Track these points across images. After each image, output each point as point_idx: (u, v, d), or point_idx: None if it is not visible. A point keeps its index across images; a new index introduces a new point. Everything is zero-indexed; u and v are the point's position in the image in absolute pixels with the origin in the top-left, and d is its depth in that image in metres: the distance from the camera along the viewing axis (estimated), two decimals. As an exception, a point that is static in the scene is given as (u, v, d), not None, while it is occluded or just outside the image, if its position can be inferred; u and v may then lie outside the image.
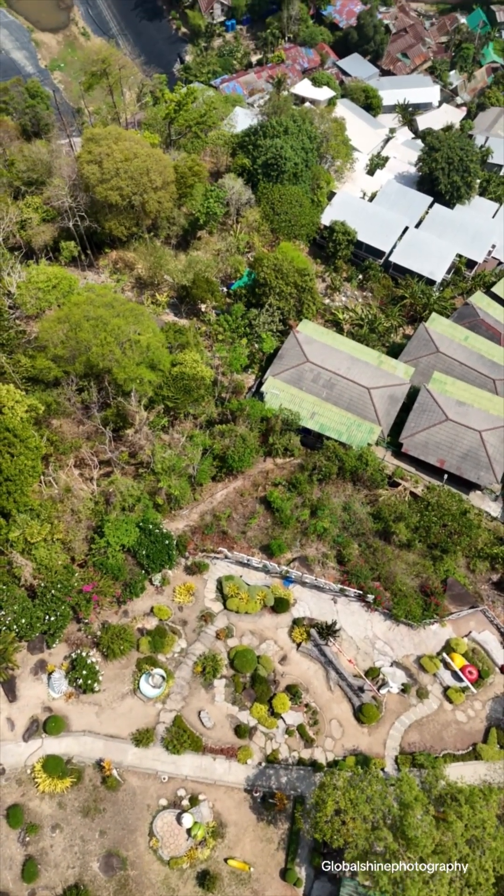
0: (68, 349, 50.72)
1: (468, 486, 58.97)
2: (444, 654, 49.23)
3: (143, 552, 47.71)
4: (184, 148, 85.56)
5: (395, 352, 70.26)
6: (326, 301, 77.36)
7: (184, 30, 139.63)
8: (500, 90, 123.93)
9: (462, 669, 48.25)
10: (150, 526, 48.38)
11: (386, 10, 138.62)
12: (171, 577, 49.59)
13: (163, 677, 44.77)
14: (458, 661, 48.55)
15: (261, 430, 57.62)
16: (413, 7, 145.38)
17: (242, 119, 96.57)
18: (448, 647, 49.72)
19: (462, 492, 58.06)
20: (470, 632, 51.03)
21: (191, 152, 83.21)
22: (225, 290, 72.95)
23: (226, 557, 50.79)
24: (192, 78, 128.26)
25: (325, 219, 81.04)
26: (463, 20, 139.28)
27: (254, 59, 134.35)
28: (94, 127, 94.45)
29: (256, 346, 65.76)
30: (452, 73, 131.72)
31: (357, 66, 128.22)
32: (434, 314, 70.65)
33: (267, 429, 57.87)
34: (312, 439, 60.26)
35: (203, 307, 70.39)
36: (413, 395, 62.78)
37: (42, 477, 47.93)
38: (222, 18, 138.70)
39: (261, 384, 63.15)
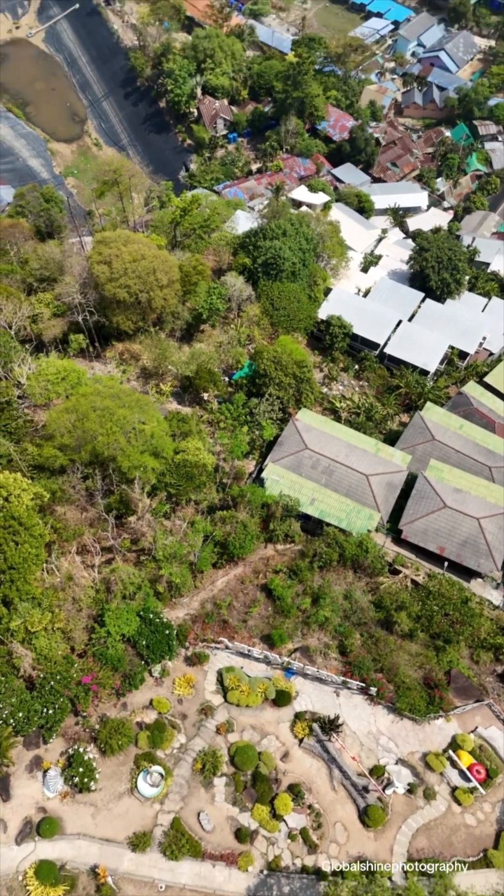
0: (75, 438, 52.25)
1: (469, 573, 59.08)
2: (451, 752, 47.82)
3: (144, 642, 47.31)
4: (188, 248, 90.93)
5: (391, 439, 72.08)
6: (324, 390, 79.99)
7: (189, 141, 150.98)
8: (484, 195, 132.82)
9: (469, 768, 46.76)
10: (151, 615, 48.22)
11: (376, 125, 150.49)
12: (170, 668, 48.91)
13: (161, 775, 43.37)
14: (465, 760, 47.12)
15: (261, 516, 58.36)
16: (401, 122, 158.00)
17: (243, 222, 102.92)
18: (454, 744, 48.38)
19: (463, 580, 58.13)
20: (476, 727, 49.78)
21: (195, 252, 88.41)
22: (227, 379, 75.56)
23: (226, 648, 50.26)
24: (196, 184, 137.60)
25: (322, 313, 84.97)
26: (447, 133, 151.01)
27: (254, 167, 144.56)
28: (104, 228, 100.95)
29: (257, 433, 67.53)
30: (439, 180, 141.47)
31: (350, 174, 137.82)
32: (429, 403, 72.96)
33: (268, 515, 58.62)
34: (313, 525, 60.91)
35: (205, 396, 72.76)
36: (411, 481, 63.92)
37: (45, 565, 48.22)
38: (225, 132, 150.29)
39: (261, 470, 64.43)
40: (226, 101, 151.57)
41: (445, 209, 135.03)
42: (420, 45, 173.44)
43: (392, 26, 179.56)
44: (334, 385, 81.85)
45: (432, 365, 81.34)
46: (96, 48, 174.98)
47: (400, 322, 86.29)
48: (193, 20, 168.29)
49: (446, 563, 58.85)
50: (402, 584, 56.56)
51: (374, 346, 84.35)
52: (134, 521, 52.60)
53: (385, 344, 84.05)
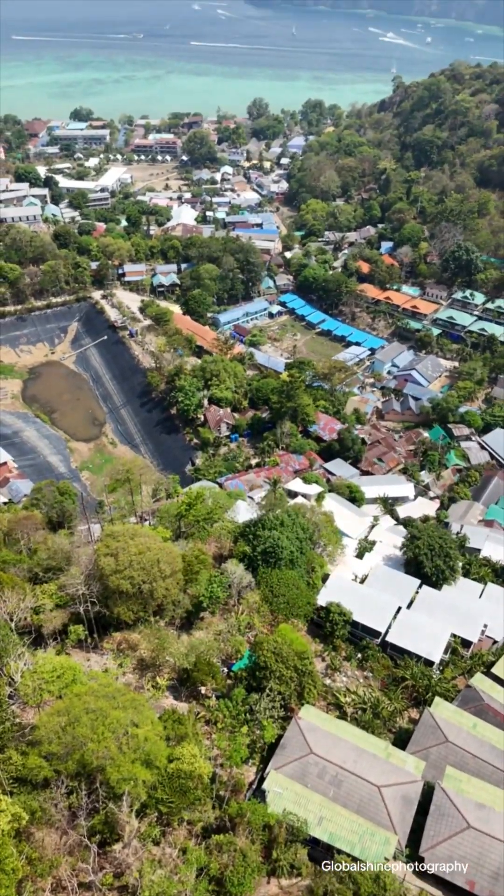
0: (63, 745, 48.88)
1: (508, 917, 50.04)
2: None
3: None
4: (192, 537, 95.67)
5: (402, 738, 67.24)
6: (327, 681, 76.95)
7: (196, 441, 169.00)
8: (466, 487, 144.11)
9: None
10: None
11: (361, 427, 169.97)
12: None
13: None
14: None
15: (263, 840, 51.58)
16: (383, 425, 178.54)
17: (244, 511, 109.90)
18: None
19: (502, 926, 49.02)
20: None
21: (198, 540, 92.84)
22: (226, 670, 73.36)
23: None
24: (200, 476, 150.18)
25: (322, 599, 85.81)
26: (426, 434, 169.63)
27: (253, 461, 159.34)
28: (112, 518, 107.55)
29: (258, 732, 63.26)
30: (423, 472, 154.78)
31: (340, 468, 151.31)
32: (437, 698, 69.63)
33: (270, 839, 51.84)
34: (321, 851, 53.40)
35: (203, 690, 69.85)
36: (427, 793, 57.83)
37: (10, 910, 41.28)
38: (227, 433, 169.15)
39: (262, 779, 58.81)
40: (228, 410, 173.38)
41: (432, 498, 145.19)
42: (394, 365, 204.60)
43: (369, 352, 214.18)
44: (337, 676, 78.97)
45: (436, 655, 79.50)
46: (119, 368, 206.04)
47: (399, 609, 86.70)
48: (202, 348, 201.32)
49: (481, 904, 50.24)
50: (431, 934, 47.57)
51: (375, 633, 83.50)
52: (119, 850, 46.35)
53: (386, 632, 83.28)
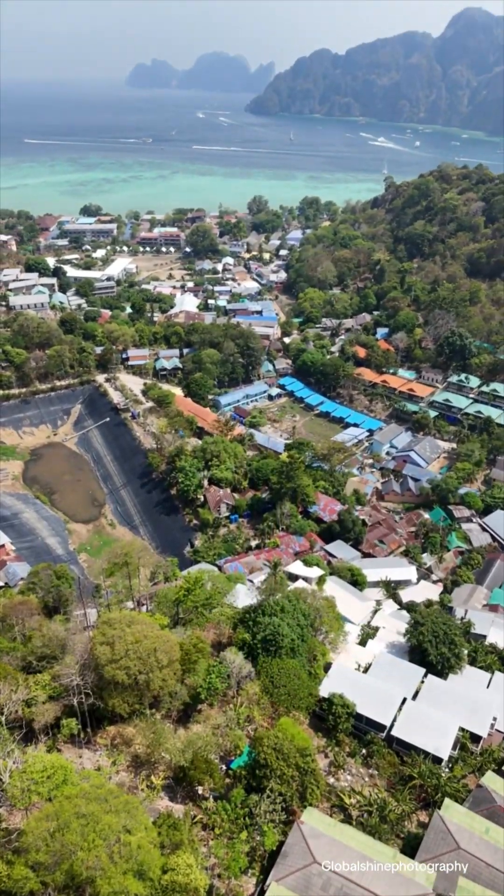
0: (51, 853, 46.00)
1: None
2: None
3: None
4: (190, 623, 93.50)
5: (411, 844, 63.20)
6: (331, 780, 73.25)
7: (195, 521, 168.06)
8: (469, 570, 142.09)
9: None
10: None
11: (361, 508, 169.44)
12: None
13: None
14: None
15: None
16: (383, 506, 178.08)
17: (243, 596, 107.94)
18: None
19: None
20: None
21: (196, 626, 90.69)
22: (224, 767, 70.00)
23: None
24: (199, 559, 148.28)
25: (324, 690, 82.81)
26: (426, 515, 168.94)
27: (253, 543, 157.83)
28: (110, 600, 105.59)
29: (258, 838, 59.61)
30: (425, 555, 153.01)
31: (341, 550, 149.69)
32: (447, 800, 65.90)
33: None
34: None
35: (200, 790, 66.40)
36: (440, 909, 53.85)
37: None
38: (227, 514, 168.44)
39: (262, 891, 54.88)
40: (228, 490, 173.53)
41: (434, 582, 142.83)
42: (393, 446, 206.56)
43: (368, 433, 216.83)
44: (341, 774, 75.21)
45: (445, 751, 75.94)
46: (120, 449, 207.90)
47: (405, 700, 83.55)
48: (203, 429, 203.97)
49: None
50: None
51: (380, 727, 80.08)
52: None
53: (392, 725, 79.90)
